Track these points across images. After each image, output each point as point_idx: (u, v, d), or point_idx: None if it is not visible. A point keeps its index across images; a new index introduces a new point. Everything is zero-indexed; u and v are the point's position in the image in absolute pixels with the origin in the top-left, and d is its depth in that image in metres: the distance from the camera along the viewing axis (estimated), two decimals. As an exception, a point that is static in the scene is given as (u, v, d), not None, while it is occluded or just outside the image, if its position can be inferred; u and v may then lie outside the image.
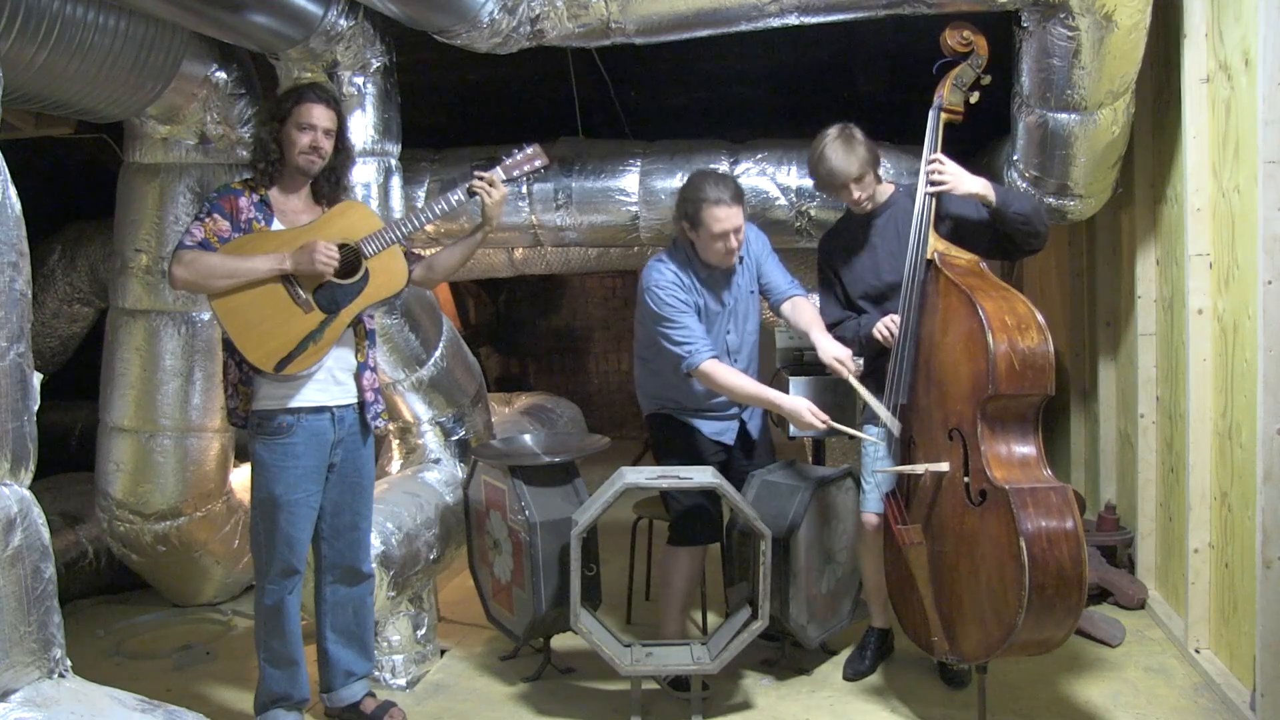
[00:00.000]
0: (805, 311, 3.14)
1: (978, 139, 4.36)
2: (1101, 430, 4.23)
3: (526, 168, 2.84)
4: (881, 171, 3.06)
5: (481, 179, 2.75)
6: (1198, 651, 3.11)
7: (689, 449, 3.16)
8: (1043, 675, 3.14)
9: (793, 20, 3.13)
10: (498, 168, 2.79)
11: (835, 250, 3.13)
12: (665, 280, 3.03)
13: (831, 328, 3.09)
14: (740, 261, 3.13)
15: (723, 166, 4.26)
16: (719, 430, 3.19)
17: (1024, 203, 2.84)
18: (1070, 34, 2.92)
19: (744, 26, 3.17)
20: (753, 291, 3.21)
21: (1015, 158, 3.52)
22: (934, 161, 2.81)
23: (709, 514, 3.14)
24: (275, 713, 2.77)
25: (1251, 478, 2.68)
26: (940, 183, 2.79)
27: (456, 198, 2.75)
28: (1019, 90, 3.26)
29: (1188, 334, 3.07)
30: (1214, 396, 3.01)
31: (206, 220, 2.62)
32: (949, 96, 2.88)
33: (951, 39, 2.87)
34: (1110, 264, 4.13)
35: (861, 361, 3.02)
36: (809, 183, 4.19)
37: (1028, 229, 2.82)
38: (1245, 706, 2.73)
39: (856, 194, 2.94)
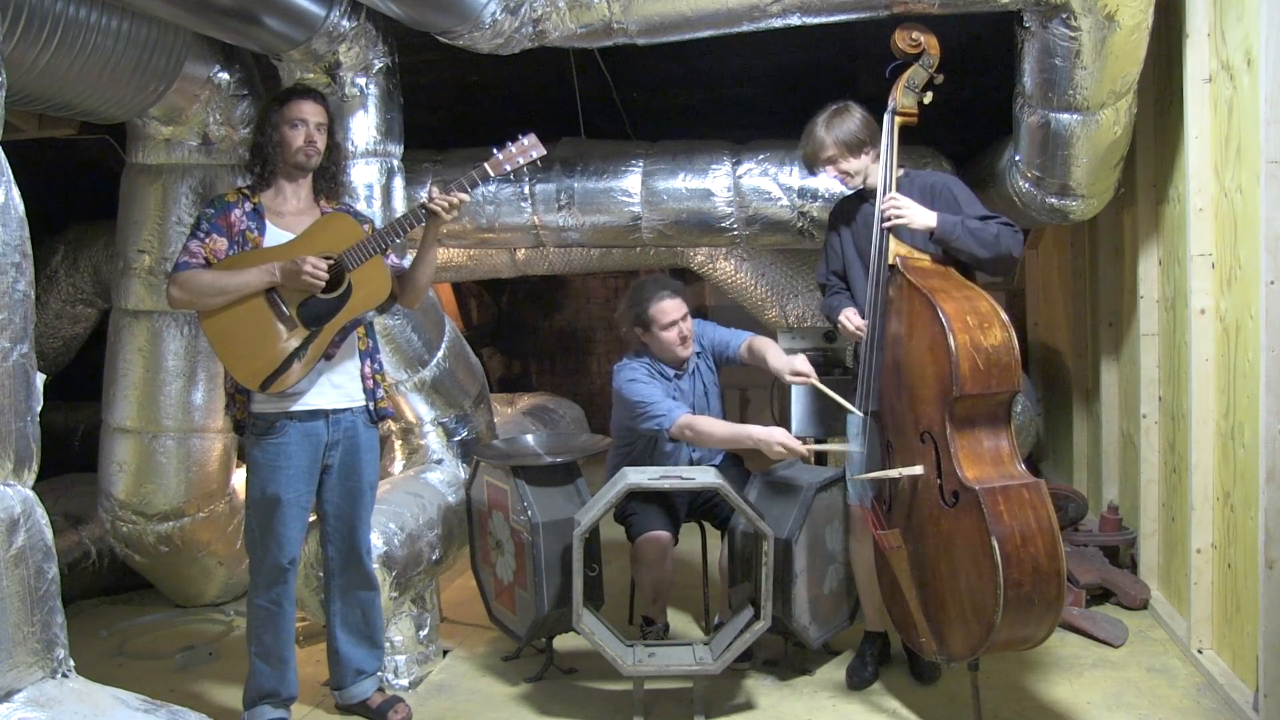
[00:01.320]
0: (759, 343, 3.36)
1: (979, 140, 4.36)
2: (1104, 430, 4.22)
3: (522, 160, 2.77)
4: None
5: (438, 198, 2.69)
6: (1200, 652, 3.11)
7: (661, 498, 3.30)
8: (1045, 675, 3.14)
9: (795, 21, 3.13)
10: (485, 164, 2.75)
11: (840, 214, 3.16)
12: (636, 373, 3.30)
13: (823, 289, 3.25)
14: (699, 356, 3.41)
15: (724, 166, 4.26)
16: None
17: (969, 239, 2.76)
18: (1072, 34, 2.91)
19: (746, 27, 3.17)
20: (715, 384, 3.47)
21: (1017, 158, 3.52)
22: (890, 200, 2.82)
23: (662, 511, 3.27)
24: (262, 708, 2.80)
25: (1254, 478, 2.68)
26: (897, 217, 2.80)
27: (421, 210, 2.70)
28: (1021, 90, 3.26)
29: (1190, 334, 3.07)
30: (1216, 397, 3.01)
31: (206, 240, 2.65)
32: (902, 100, 2.89)
33: (901, 41, 2.89)
34: (1112, 264, 4.12)
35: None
36: (811, 183, 4.20)
37: (975, 264, 2.83)
38: (1248, 707, 2.73)
39: (832, 171, 2.97)
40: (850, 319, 2.98)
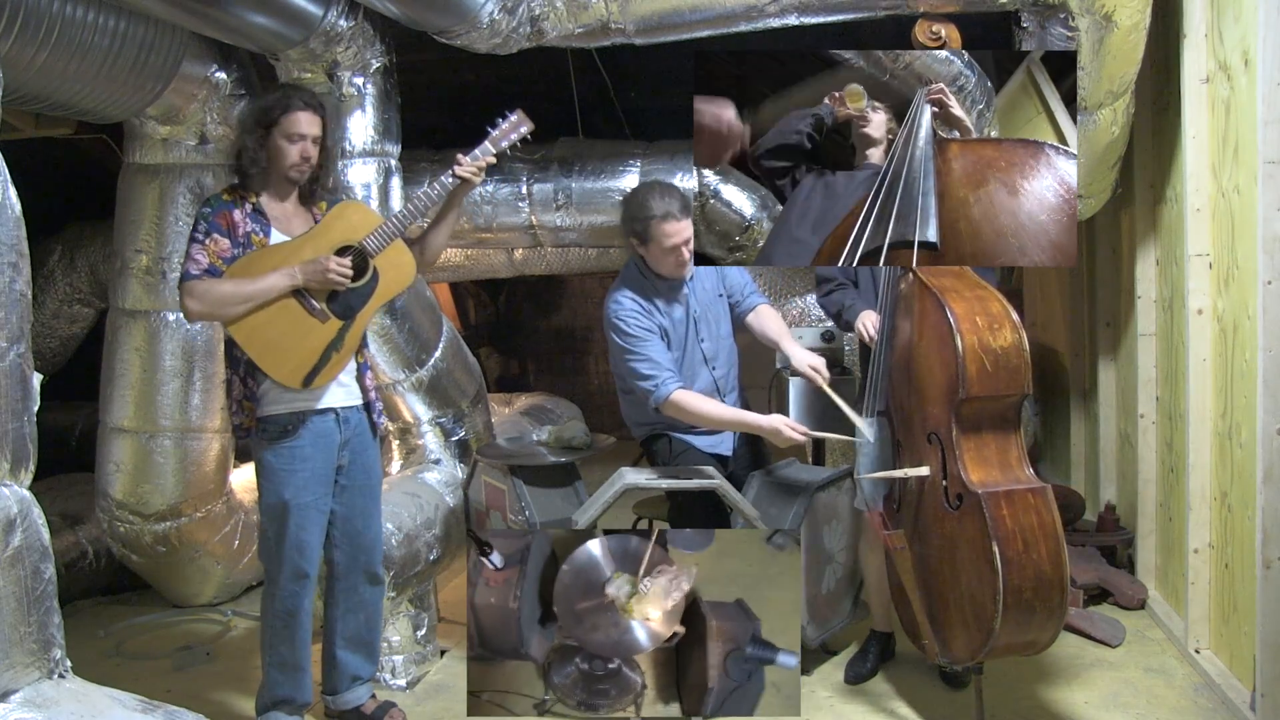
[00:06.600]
0: (772, 322, 3.18)
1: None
2: (1101, 430, 4.23)
3: (514, 135, 2.79)
4: None
5: (466, 163, 2.72)
6: (1198, 652, 3.11)
7: (688, 462, 3.16)
8: (1042, 675, 3.14)
9: (792, 21, 3.13)
10: (486, 142, 2.75)
11: None
12: (625, 310, 3.03)
13: (822, 285, 3.13)
14: (696, 281, 3.14)
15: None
16: (712, 443, 3.21)
17: None
18: (1070, 34, 2.91)
19: (744, 27, 3.17)
20: (720, 295, 3.19)
21: (1015, 158, 3.52)
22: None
23: (711, 511, 3.14)
24: (276, 715, 2.77)
25: (1251, 478, 2.68)
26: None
27: (449, 179, 2.72)
28: (1019, 90, 3.26)
29: (1187, 334, 3.07)
30: (1214, 396, 3.01)
31: (207, 242, 2.57)
32: None
33: (921, 33, 2.83)
34: (1110, 264, 4.13)
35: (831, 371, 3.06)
36: (809, 183, 4.20)
37: None
38: (1245, 707, 2.73)
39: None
40: (869, 327, 2.89)
